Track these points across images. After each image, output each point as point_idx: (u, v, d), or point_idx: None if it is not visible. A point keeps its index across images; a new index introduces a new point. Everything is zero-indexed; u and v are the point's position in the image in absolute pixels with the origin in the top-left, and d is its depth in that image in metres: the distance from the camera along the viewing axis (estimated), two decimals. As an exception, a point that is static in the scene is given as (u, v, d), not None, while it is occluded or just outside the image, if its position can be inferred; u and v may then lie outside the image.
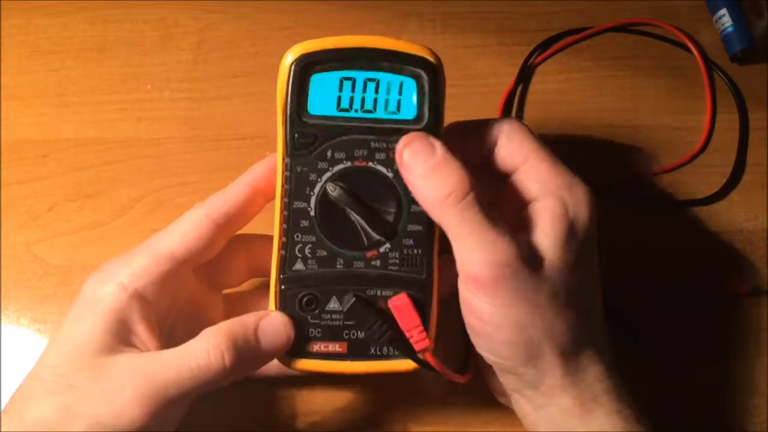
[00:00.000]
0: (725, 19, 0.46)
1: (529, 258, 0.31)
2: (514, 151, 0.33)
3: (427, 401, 0.40)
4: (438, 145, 0.32)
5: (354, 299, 0.33)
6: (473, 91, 0.46)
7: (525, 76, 0.46)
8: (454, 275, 0.33)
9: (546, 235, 0.32)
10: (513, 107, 0.46)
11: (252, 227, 0.37)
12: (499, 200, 0.35)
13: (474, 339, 0.33)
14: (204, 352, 0.31)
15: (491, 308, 0.31)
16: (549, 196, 0.32)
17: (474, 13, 0.48)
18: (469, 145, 0.34)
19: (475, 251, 0.30)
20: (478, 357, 0.36)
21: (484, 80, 0.46)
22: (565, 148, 0.45)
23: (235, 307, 0.37)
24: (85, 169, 0.44)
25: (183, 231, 0.34)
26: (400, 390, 0.40)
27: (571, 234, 0.32)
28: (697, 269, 0.42)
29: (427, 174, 0.31)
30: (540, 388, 0.32)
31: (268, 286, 0.34)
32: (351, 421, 0.39)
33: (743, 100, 0.46)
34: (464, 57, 0.47)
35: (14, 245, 0.43)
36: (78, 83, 0.46)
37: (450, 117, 0.45)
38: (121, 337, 0.32)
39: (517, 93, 0.46)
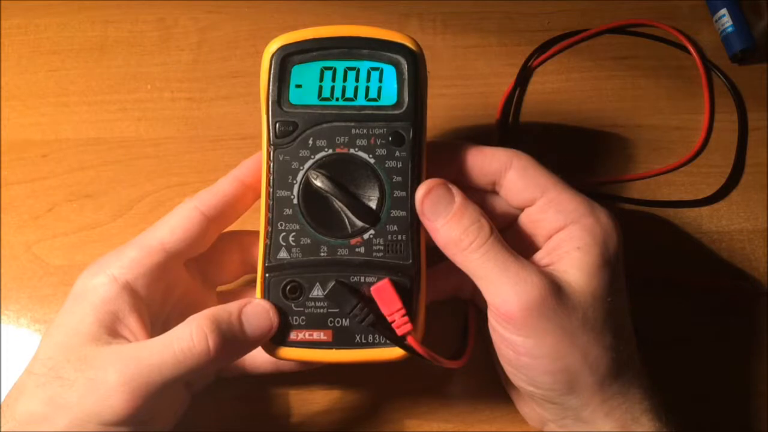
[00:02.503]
0: (725, 19, 0.46)
1: (559, 289, 0.31)
2: (530, 183, 0.34)
3: (426, 398, 0.40)
4: (456, 191, 0.32)
5: (334, 282, 0.32)
6: (473, 91, 0.46)
7: (524, 77, 0.46)
8: (455, 282, 0.33)
9: (573, 265, 0.32)
10: (512, 108, 0.46)
11: (245, 224, 0.37)
12: (507, 228, 0.35)
13: (511, 372, 0.33)
14: (187, 336, 0.30)
15: (526, 340, 0.31)
16: (574, 225, 0.33)
17: (474, 13, 0.48)
18: (471, 170, 0.34)
19: (503, 288, 0.31)
20: (510, 385, 0.36)
21: (484, 80, 0.46)
22: (564, 148, 0.45)
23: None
24: (85, 169, 0.44)
25: (173, 224, 0.34)
26: (397, 387, 0.40)
27: (600, 261, 0.32)
28: (697, 269, 0.42)
29: (447, 224, 0.32)
30: (582, 415, 0.32)
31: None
32: (348, 419, 0.40)
33: (742, 101, 0.46)
34: (464, 57, 0.47)
35: (14, 245, 0.43)
36: (78, 83, 0.46)
37: (451, 116, 0.45)
38: (110, 329, 0.32)
39: (516, 94, 0.46)
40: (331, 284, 0.33)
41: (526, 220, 0.35)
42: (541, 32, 0.47)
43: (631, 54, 0.47)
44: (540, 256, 0.33)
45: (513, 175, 0.34)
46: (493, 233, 0.32)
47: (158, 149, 0.45)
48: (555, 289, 0.31)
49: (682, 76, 0.46)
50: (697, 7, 0.48)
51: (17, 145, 0.45)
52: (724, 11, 0.46)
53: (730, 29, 0.46)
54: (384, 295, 0.32)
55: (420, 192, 0.33)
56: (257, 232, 0.34)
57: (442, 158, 0.34)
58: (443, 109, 0.45)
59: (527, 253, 0.33)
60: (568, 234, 0.33)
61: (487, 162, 0.34)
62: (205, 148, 0.45)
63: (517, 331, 0.31)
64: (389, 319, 0.32)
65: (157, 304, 0.34)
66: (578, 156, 0.45)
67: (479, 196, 0.35)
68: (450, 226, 0.32)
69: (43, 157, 0.45)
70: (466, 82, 0.46)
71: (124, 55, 0.47)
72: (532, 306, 0.30)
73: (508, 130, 0.45)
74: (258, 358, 0.36)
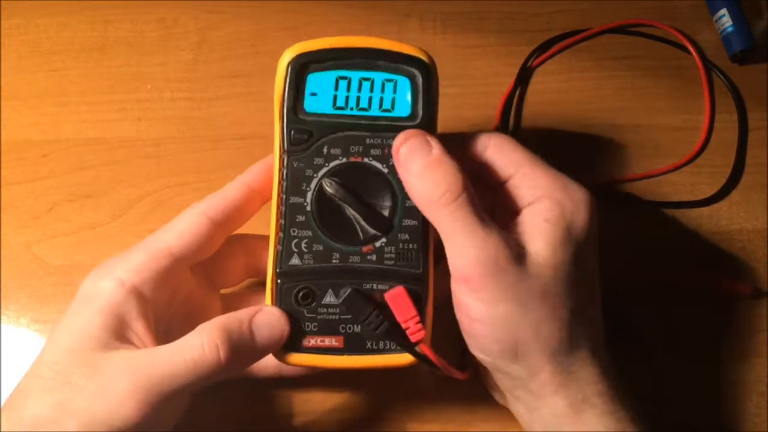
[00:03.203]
0: (725, 19, 0.46)
1: (519, 257, 0.31)
2: (506, 161, 0.34)
3: (426, 400, 0.40)
4: (434, 143, 0.32)
5: (350, 290, 0.33)
6: (473, 91, 0.46)
7: (524, 78, 0.46)
8: (447, 283, 0.33)
9: (539, 236, 0.32)
10: (512, 108, 0.46)
11: (250, 228, 0.37)
12: (492, 210, 0.35)
13: (466, 338, 0.33)
14: (198, 345, 0.30)
15: (479, 305, 0.31)
16: (545, 198, 0.33)
17: (474, 13, 0.48)
18: (456, 158, 0.34)
19: (464, 249, 0.31)
20: (481, 368, 0.36)
21: (484, 80, 0.46)
22: (564, 148, 0.45)
23: (233, 306, 0.37)
24: (85, 169, 0.44)
25: (180, 228, 0.34)
26: (399, 389, 0.40)
27: (566, 234, 0.32)
28: (697, 269, 0.42)
29: (422, 173, 0.32)
30: (530, 387, 0.32)
31: (265, 285, 0.34)
32: (349, 421, 0.40)
33: (742, 101, 0.46)
34: (464, 57, 0.47)
35: (14, 245, 0.43)
36: (78, 83, 0.46)
37: (451, 116, 0.45)
38: (118, 333, 0.32)
39: (516, 94, 0.46)
40: (346, 291, 0.33)
41: (503, 195, 0.35)
42: (541, 32, 0.47)
43: (631, 54, 0.47)
44: (510, 229, 0.33)
45: (490, 154, 0.34)
46: (466, 191, 0.31)
47: (158, 149, 0.45)
48: (515, 254, 0.31)
49: (683, 76, 0.46)
50: (697, 7, 0.48)
51: (17, 145, 0.45)
52: (724, 11, 0.46)
53: (730, 29, 0.46)
54: (399, 302, 0.32)
55: (398, 139, 0.33)
56: (262, 236, 0.34)
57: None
58: (443, 109, 0.44)
59: (498, 223, 0.33)
60: (539, 207, 0.33)
61: (470, 146, 0.34)
62: (205, 148, 0.45)
63: (473, 293, 0.31)
64: (403, 326, 0.32)
65: (162, 307, 0.34)
66: (578, 156, 0.45)
67: (488, 196, 0.35)
68: (422, 176, 0.32)
69: (43, 157, 0.45)
70: (466, 82, 0.46)
71: (124, 55, 0.47)
72: (489, 267, 0.30)
73: (508, 130, 0.45)
74: (262, 361, 0.36)
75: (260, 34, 0.47)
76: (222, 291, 0.39)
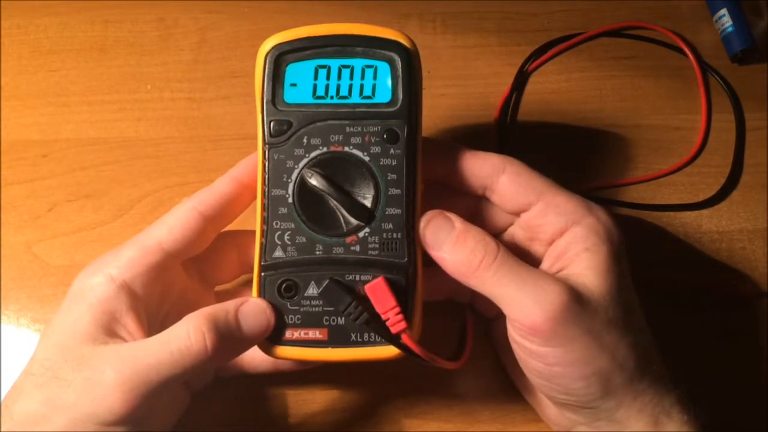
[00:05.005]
0: (725, 19, 0.46)
1: (578, 293, 0.31)
2: (524, 189, 0.34)
3: (424, 398, 0.40)
4: (454, 217, 0.33)
5: (328, 281, 0.32)
6: (473, 91, 0.46)
7: (521, 81, 0.46)
8: (452, 282, 0.33)
9: (586, 267, 0.32)
10: (510, 108, 0.46)
11: (244, 224, 0.37)
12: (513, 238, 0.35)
13: (542, 384, 0.33)
14: (185, 335, 0.30)
15: (555, 350, 0.31)
16: (577, 226, 0.33)
17: (474, 13, 0.48)
18: (464, 172, 0.34)
19: (523, 303, 0.31)
20: (531, 394, 0.37)
21: (484, 80, 0.46)
22: (564, 148, 0.45)
23: None
24: (85, 169, 0.44)
25: (171, 223, 0.34)
26: (396, 386, 0.40)
27: (611, 259, 0.32)
28: (697, 269, 0.42)
29: (454, 249, 0.32)
30: (615, 416, 0.32)
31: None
32: (346, 419, 0.40)
33: (739, 101, 0.46)
34: (464, 57, 0.47)
35: (14, 245, 0.43)
36: (78, 83, 0.46)
37: (451, 116, 0.45)
38: (107, 329, 0.32)
39: (513, 98, 0.46)
40: (325, 283, 0.32)
41: (522, 225, 0.35)
42: (541, 32, 0.47)
43: (630, 54, 0.47)
44: (549, 263, 0.33)
45: (506, 180, 0.34)
46: (501, 249, 0.32)
47: (158, 149, 0.45)
48: (575, 294, 0.31)
49: (682, 76, 0.46)
50: (697, 7, 0.48)
51: (17, 145, 0.45)
52: (724, 11, 0.46)
53: (730, 29, 0.46)
54: (378, 293, 0.32)
55: (421, 225, 0.33)
56: (253, 232, 0.34)
57: (436, 157, 0.34)
58: (443, 109, 0.45)
59: (528, 259, 0.33)
60: (573, 236, 0.33)
61: (479, 165, 0.34)
62: (205, 148, 0.45)
63: (545, 342, 0.31)
64: (384, 317, 0.32)
65: (154, 303, 0.34)
66: (578, 156, 0.45)
67: (470, 201, 0.35)
68: (455, 250, 0.32)
69: (43, 157, 0.45)
70: (466, 82, 0.46)
71: (124, 55, 0.47)
72: (557, 315, 0.30)
73: (507, 130, 0.45)
74: (256, 357, 0.36)
75: (260, 34, 0.47)
76: (217, 288, 0.39)
